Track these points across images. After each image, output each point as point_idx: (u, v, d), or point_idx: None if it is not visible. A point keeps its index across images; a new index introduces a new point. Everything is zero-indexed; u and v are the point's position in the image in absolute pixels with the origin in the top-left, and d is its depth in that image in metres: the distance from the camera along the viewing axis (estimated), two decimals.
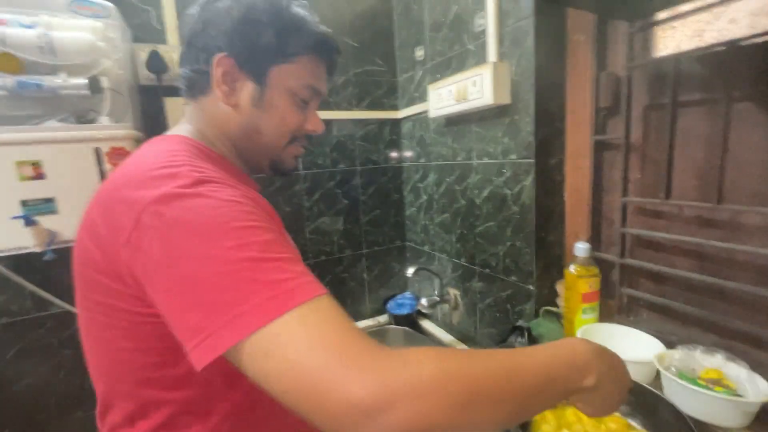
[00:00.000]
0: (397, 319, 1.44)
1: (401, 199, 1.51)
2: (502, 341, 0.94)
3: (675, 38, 0.76)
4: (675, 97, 0.74)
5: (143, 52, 1.00)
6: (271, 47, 0.52)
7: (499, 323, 1.09)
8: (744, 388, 0.63)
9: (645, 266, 0.84)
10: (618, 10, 0.79)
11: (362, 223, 1.45)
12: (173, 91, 1.05)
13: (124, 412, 0.46)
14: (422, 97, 1.30)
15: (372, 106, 1.40)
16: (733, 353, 0.68)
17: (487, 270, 1.10)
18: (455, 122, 1.15)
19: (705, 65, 0.71)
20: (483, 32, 0.99)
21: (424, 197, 1.37)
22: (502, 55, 0.94)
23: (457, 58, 1.11)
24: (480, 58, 1.01)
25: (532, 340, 0.89)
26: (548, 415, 0.65)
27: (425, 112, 1.25)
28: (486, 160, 1.05)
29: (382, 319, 1.49)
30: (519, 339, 0.88)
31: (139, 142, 0.93)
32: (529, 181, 0.92)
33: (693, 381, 0.64)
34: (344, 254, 1.42)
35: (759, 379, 0.62)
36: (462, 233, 1.19)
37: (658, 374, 0.69)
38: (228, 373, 0.45)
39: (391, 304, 1.48)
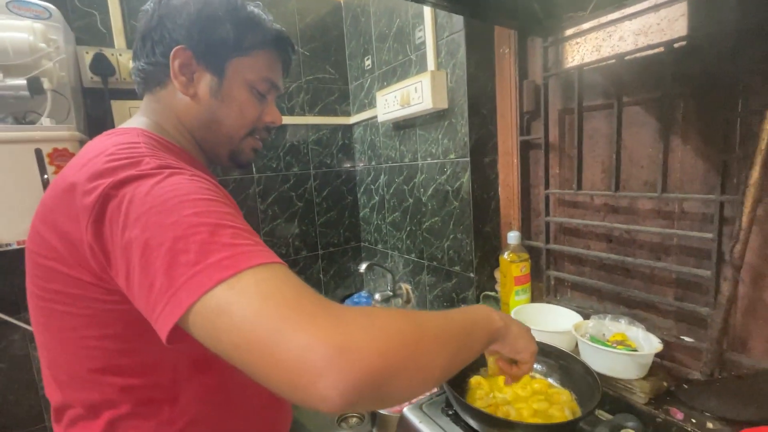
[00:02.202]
0: None
1: (355, 201, 1.57)
2: None
3: (580, 52, 0.88)
4: (581, 101, 0.86)
5: (88, 55, 0.99)
6: (228, 40, 0.53)
7: None
8: (641, 346, 0.74)
9: (566, 250, 0.95)
10: (532, 28, 0.91)
11: (317, 225, 1.48)
12: (120, 94, 1.05)
13: (86, 403, 0.46)
14: (372, 104, 1.37)
15: (324, 112, 1.46)
16: (636, 319, 0.79)
17: (434, 263, 1.18)
18: (402, 126, 1.23)
19: (603, 75, 0.84)
20: (423, 43, 1.08)
21: (376, 198, 1.44)
22: (439, 65, 1.04)
23: (401, 66, 1.20)
24: (421, 67, 1.11)
25: None
26: (482, 381, 0.73)
27: (375, 117, 1.33)
28: (429, 160, 1.13)
29: None
30: None
31: (82, 143, 0.92)
32: (466, 177, 1.01)
33: (602, 343, 0.75)
34: (300, 256, 1.45)
35: (653, 338, 0.73)
36: (411, 230, 1.26)
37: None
38: (196, 357, 0.47)
39: (348, 303, 1.53)
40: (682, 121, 0.73)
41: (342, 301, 1.55)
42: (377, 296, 1.29)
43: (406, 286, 1.32)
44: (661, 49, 0.73)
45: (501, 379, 0.73)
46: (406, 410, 0.74)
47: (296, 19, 1.37)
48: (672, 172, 0.75)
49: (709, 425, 0.63)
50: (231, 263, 0.33)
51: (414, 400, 0.75)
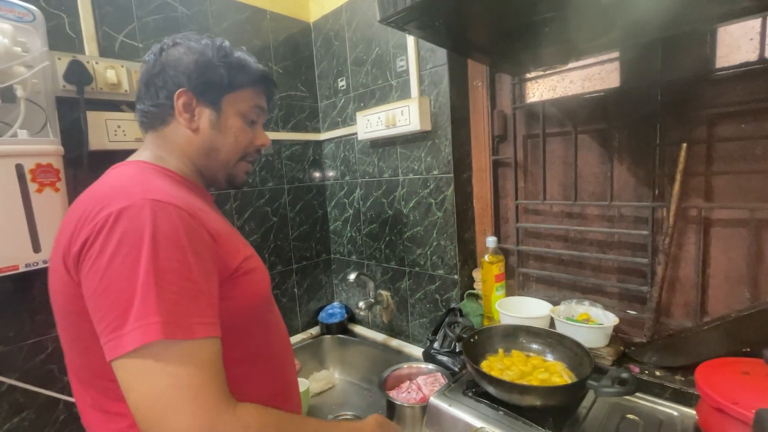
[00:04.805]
0: (330, 328, 1.52)
1: (325, 215, 1.61)
2: (440, 321, 1.14)
3: (539, 90, 1.10)
4: (544, 129, 1.07)
5: (60, 61, 0.91)
6: (222, 81, 0.64)
7: (429, 312, 1.29)
8: (602, 321, 0.95)
9: (532, 250, 1.15)
10: (501, 66, 1.09)
11: (291, 239, 1.49)
12: (97, 105, 0.97)
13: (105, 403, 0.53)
14: (346, 122, 1.45)
15: (296, 128, 1.49)
16: (593, 302, 1.01)
17: (417, 269, 1.30)
18: (381, 144, 1.33)
19: (559, 109, 1.06)
20: (405, 72, 1.21)
21: (351, 211, 1.51)
22: (422, 92, 1.17)
23: (380, 90, 1.31)
24: (403, 93, 1.23)
25: (463, 316, 1.11)
26: (492, 364, 0.86)
27: (352, 135, 1.41)
28: (412, 176, 1.26)
29: (315, 330, 1.55)
30: (457, 317, 1.09)
31: (63, 158, 0.84)
32: (450, 191, 1.16)
33: (576, 321, 0.94)
34: (275, 270, 1.45)
35: (610, 314, 0.94)
36: (391, 240, 1.36)
37: (552, 323, 0.98)
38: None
39: (322, 315, 1.55)
40: (621, 147, 0.97)
41: (316, 314, 1.57)
42: (361, 304, 1.36)
43: (385, 293, 1.41)
44: (602, 93, 0.96)
45: (507, 361, 0.88)
46: (432, 398, 0.83)
47: (270, 37, 1.39)
48: (614, 186, 0.99)
49: (657, 373, 0.84)
50: (165, 330, 0.42)
51: (437, 387, 0.85)
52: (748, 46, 0.79)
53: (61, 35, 0.95)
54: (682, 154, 0.83)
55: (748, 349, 0.76)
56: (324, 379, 1.38)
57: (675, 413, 0.73)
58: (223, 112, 0.65)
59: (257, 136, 0.71)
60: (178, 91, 0.62)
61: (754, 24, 0.77)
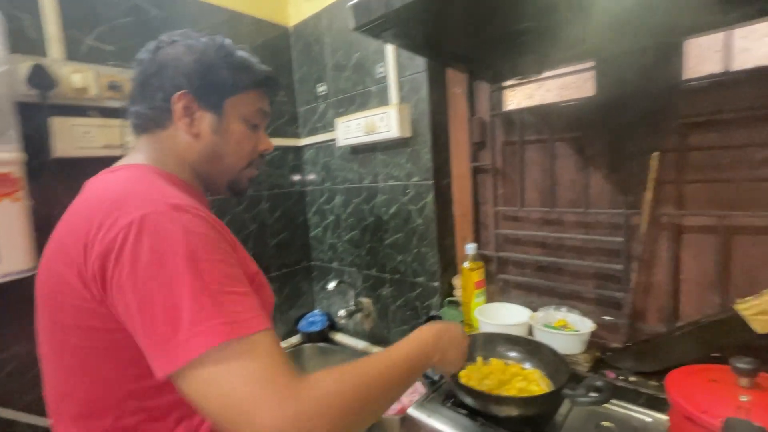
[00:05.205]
0: (311, 337, 1.50)
1: (305, 221, 1.59)
2: None
3: (517, 97, 1.11)
4: (522, 136, 1.08)
5: (22, 65, 0.87)
6: (226, 83, 0.60)
7: (410, 320, 1.29)
8: (578, 328, 0.95)
9: (512, 257, 1.16)
10: (479, 74, 1.10)
11: (270, 247, 1.47)
12: (62, 110, 0.93)
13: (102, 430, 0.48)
14: (326, 127, 1.44)
15: (276, 133, 1.47)
16: (571, 308, 1.02)
17: (397, 276, 1.29)
18: (361, 150, 1.32)
19: (536, 116, 1.07)
20: (384, 78, 1.20)
21: (331, 217, 1.49)
22: (402, 98, 1.17)
23: (360, 96, 1.30)
24: (383, 99, 1.22)
25: None
26: (470, 373, 0.85)
27: (332, 140, 1.39)
28: (392, 182, 1.25)
29: (294, 339, 1.52)
30: None
31: (26, 166, 0.80)
32: (430, 198, 1.15)
33: (553, 328, 0.94)
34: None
35: (586, 320, 0.95)
36: (371, 246, 1.35)
37: (530, 330, 0.98)
38: None
39: (302, 323, 1.53)
40: (596, 155, 0.98)
41: (297, 321, 1.54)
42: (341, 312, 1.34)
43: (366, 300, 1.40)
44: (578, 102, 0.97)
45: (485, 369, 0.87)
46: (411, 410, 0.82)
47: (248, 42, 1.37)
48: (589, 193, 1.00)
49: (632, 378, 0.85)
50: (228, 330, 0.40)
51: (416, 398, 0.84)
52: (715, 58, 0.81)
53: (23, 38, 0.91)
54: (654, 162, 0.84)
55: (719, 354, 0.77)
56: None
57: (649, 419, 0.74)
58: (225, 116, 0.61)
59: (260, 141, 0.68)
60: (178, 93, 0.57)
61: (719, 37, 0.79)
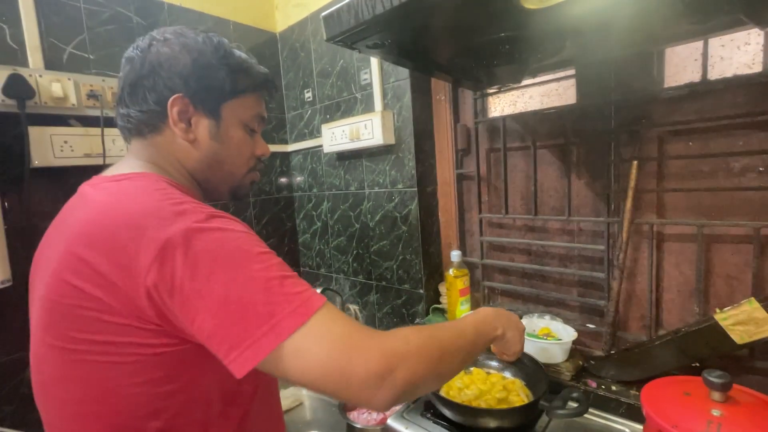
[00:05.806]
0: None
1: (294, 227, 1.58)
2: None
3: (500, 105, 1.11)
4: (505, 143, 1.07)
5: None
6: (224, 86, 0.57)
7: (396, 327, 1.28)
8: (561, 336, 0.95)
9: (497, 264, 1.15)
10: (462, 82, 1.10)
11: None
12: (40, 120, 0.92)
13: None
14: (313, 133, 1.43)
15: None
16: (555, 315, 1.01)
17: (384, 282, 1.28)
18: (347, 157, 1.32)
19: (519, 123, 1.07)
20: (369, 85, 1.20)
21: (319, 224, 1.48)
22: (385, 105, 1.17)
23: (345, 103, 1.30)
24: (367, 106, 1.22)
25: None
26: (451, 384, 0.85)
27: (319, 146, 1.39)
28: (377, 189, 1.24)
29: None
30: None
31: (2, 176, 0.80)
32: (414, 205, 1.15)
33: (536, 337, 0.94)
34: None
35: (569, 329, 0.95)
36: (358, 253, 1.35)
37: None
38: (227, 391, 0.50)
39: None
40: (579, 163, 0.98)
41: None
42: None
43: (354, 307, 1.39)
44: (559, 109, 0.97)
45: (467, 379, 0.87)
46: (390, 420, 0.82)
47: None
48: (572, 200, 1.00)
49: (613, 387, 0.85)
50: (302, 313, 0.41)
51: (397, 408, 0.84)
52: (693, 67, 0.81)
53: (3, 47, 0.91)
54: (633, 171, 0.84)
55: (698, 364, 0.77)
56: (291, 396, 1.35)
57: (627, 431, 0.74)
58: (224, 121, 0.58)
59: (257, 146, 0.65)
60: (173, 97, 0.54)
61: (697, 45, 0.79)
